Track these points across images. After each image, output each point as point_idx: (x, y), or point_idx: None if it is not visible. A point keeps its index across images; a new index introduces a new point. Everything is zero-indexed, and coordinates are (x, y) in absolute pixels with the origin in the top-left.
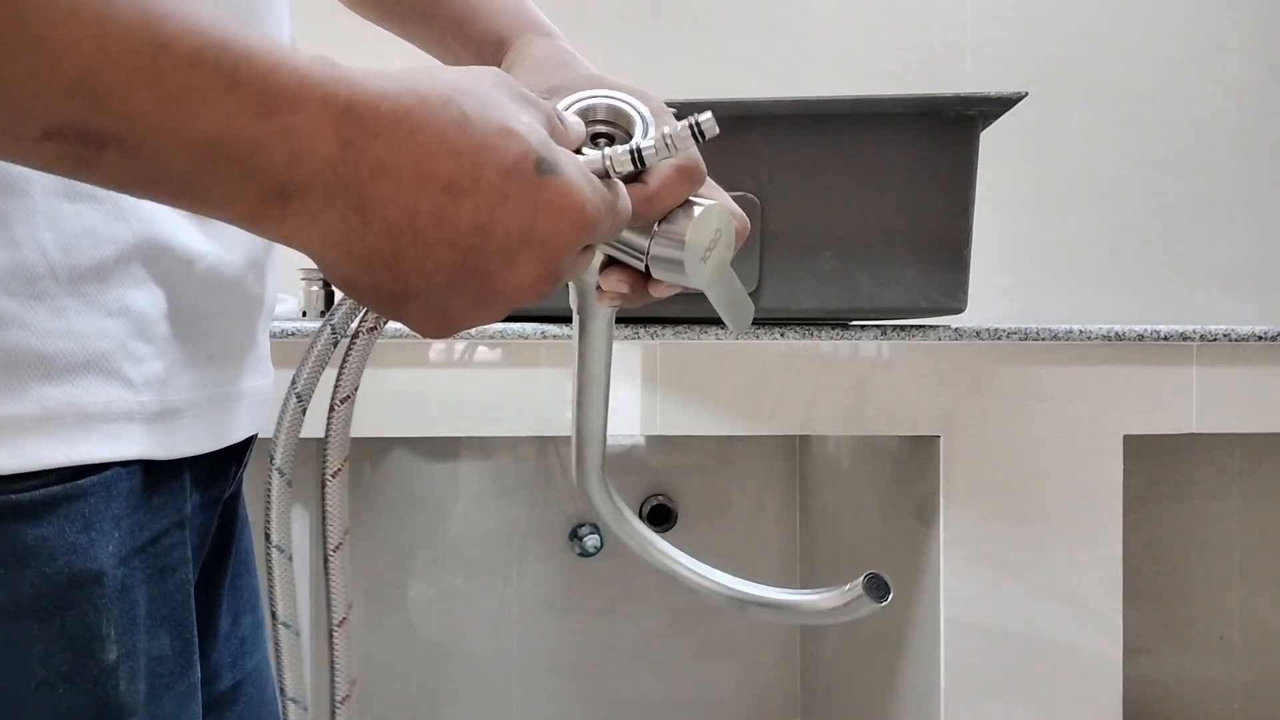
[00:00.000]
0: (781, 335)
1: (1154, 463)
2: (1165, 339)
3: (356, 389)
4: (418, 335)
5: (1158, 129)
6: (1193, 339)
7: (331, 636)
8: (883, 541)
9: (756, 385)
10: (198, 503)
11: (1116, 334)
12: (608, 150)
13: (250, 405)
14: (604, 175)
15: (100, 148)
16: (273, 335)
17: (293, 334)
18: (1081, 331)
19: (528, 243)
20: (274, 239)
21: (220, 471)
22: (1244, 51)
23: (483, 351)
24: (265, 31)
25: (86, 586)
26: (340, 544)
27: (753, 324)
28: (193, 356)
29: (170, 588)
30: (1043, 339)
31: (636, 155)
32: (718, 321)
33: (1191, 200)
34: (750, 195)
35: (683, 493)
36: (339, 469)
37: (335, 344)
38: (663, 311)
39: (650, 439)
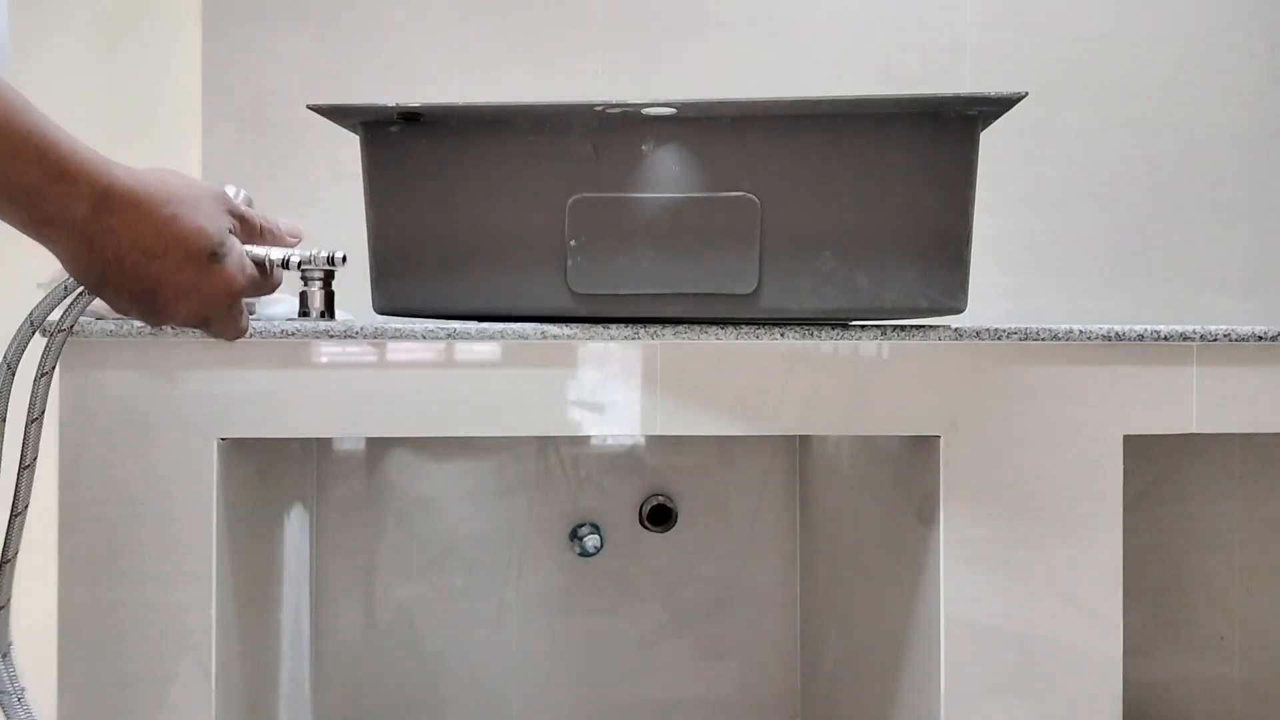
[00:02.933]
0: (781, 335)
1: (1154, 463)
2: (1165, 339)
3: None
4: (418, 337)
5: (1158, 129)
6: (1193, 339)
7: None
8: (883, 541)
9: (756, 385)
10: None
11: (1116, 334)
12: (271, 252)
13: None
14: (261, 264)
15: None
16: (272, 334)
17: (293, 334)
18: (1081, 332)
19: (189, 296)
20: (42, 239)
21: None
22: (1244, 52)
23: (482, 351)
24: None
25: None
26: (38, 418)
27: (753, 324)
28: None
29: None
30: (1043, 339)
31: (285, 262)
32: (718, 322)
33: (1191, 200)
34: (750, 195)
35: (683, 493)
36: (52, 368)
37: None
38: (663, 311)
39: (650, 439)
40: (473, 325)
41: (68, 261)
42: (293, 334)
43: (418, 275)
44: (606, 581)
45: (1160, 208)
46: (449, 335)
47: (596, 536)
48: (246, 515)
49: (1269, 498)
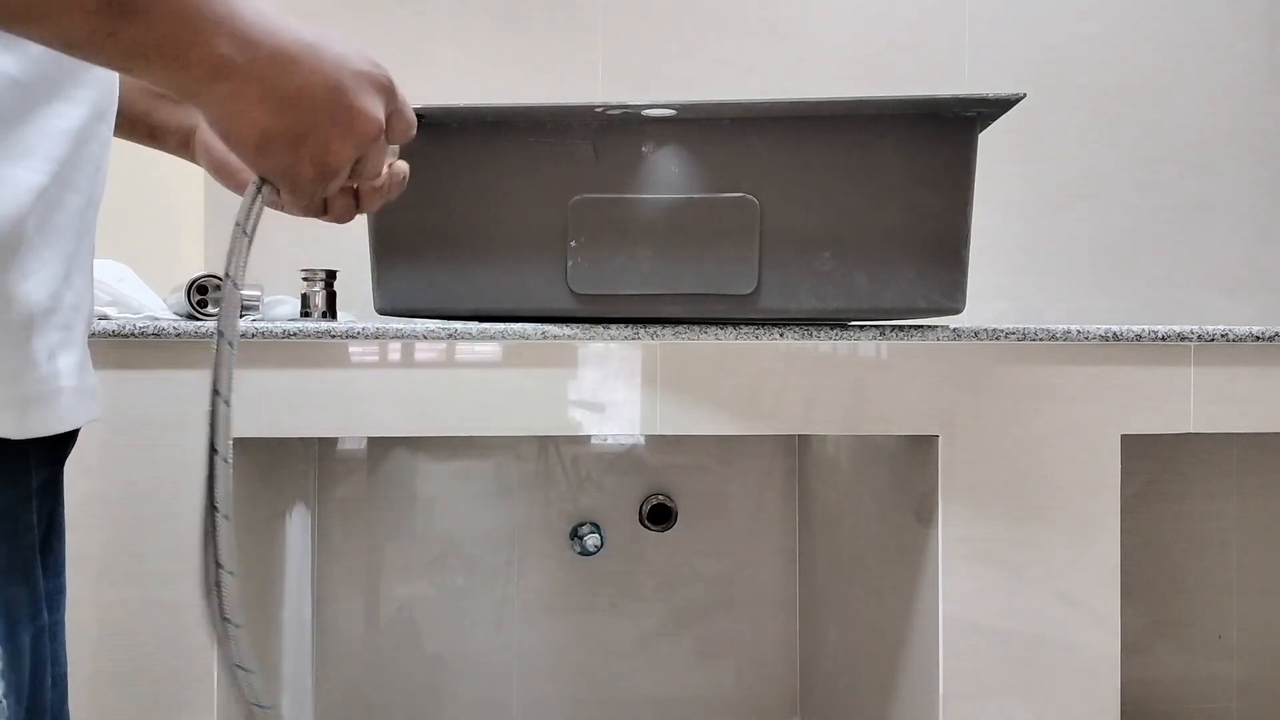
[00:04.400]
0: (781, 335)
1: (1152, 462)
2: (1163, 339)
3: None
4: (419, 337)
5: (1156, 130)
6: (1190, 339)
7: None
8: (882, 540)
9: (756, 385)
10: (43, 479)
11: (1114, 334)
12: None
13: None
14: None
15: (130, 19)
16: (274, 335)
17: (295, 334)
18: (1079, 332)
19: (369, 88)
20: (213, 97)
21: (58, 455)
22: (1241, 53)
23: (483, 351)
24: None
25: None
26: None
27: (752, 324)
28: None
29: (23, 546)
30: (1040, 339)
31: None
32: (717, 322)
33: (1189, 201)
34: (749, 195)
35: (683, 492)
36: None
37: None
38: (663, 311)
39: (650, 439)
40: (474, 325)
41: (257, 110)
42: (295, 334)
43: (419, 275)
44: (607, 580)
45: (1157, 208)
46: (450, 335)
47: (597, 536)
48: (249, 514)
49: (1266, 497)
